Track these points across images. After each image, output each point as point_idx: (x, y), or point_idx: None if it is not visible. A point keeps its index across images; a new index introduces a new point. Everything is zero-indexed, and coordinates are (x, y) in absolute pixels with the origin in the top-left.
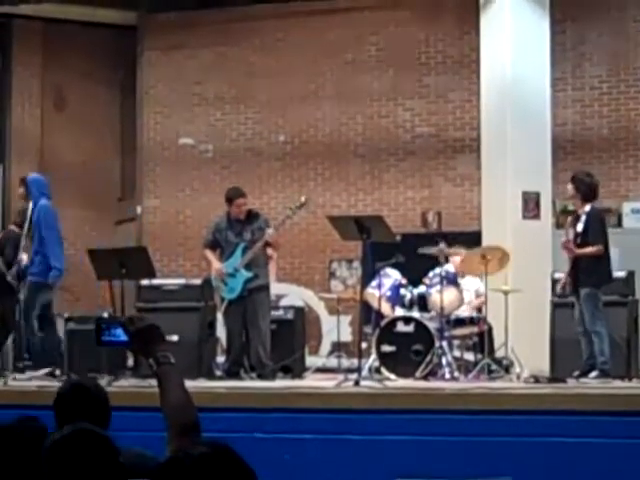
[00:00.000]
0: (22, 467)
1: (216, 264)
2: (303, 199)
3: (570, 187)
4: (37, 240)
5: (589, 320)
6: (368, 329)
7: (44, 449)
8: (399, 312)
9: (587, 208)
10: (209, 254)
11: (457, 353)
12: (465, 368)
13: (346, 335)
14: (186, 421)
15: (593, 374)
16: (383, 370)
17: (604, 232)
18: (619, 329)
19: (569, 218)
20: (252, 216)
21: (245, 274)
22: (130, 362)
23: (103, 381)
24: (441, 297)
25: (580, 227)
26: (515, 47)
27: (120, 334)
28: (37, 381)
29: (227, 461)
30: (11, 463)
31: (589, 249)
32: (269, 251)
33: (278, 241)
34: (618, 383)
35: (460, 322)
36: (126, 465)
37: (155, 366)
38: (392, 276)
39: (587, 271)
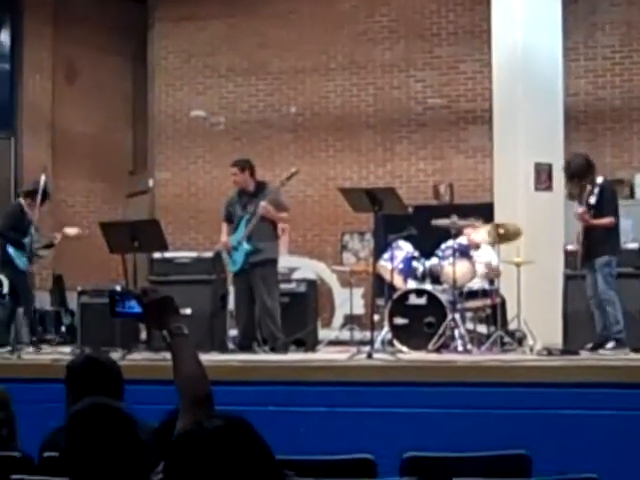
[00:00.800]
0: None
1: (223, 237)
2: (293, 169)
3: (576, 183)
4: None
5: (602, 288)
6: (380, 302)
7: (66, 422)
8: (411, 285)
9: (599, 180)
10: (223, 227)
11: (470, 325)
12: (478, 340)
13: (359, 308)
14: (199, 393)
15: (610, 345)
16: (396, 343)
17: (616, 204)
18: (632, 301)
19: (587, 187)
20: (260, 188)
21: (246, 247)
22: (143, 335)
23: (116, 354)
24: (453, 269)
25: (593, 199)
26: (527, 17)
27: (134, 306)
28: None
29: (242, 434)
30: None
31: (604, 220)
32: (281, 224)
33: (271, 213)
34: (632, 355)
35: (473, 294)
36: (141, 439)
37: (168, 338)
38: (404, 248)
39: (601, 241)
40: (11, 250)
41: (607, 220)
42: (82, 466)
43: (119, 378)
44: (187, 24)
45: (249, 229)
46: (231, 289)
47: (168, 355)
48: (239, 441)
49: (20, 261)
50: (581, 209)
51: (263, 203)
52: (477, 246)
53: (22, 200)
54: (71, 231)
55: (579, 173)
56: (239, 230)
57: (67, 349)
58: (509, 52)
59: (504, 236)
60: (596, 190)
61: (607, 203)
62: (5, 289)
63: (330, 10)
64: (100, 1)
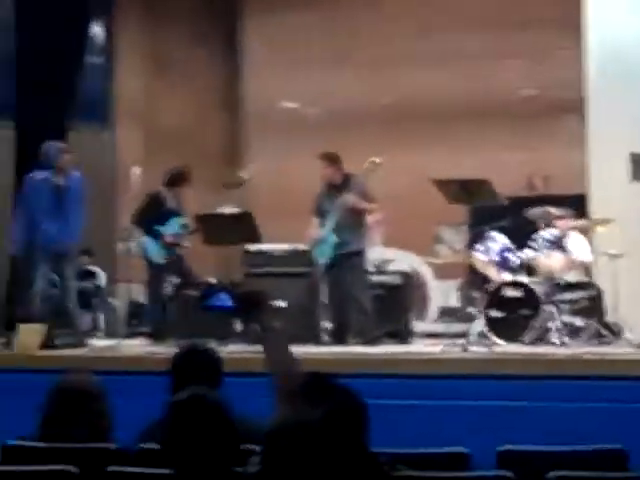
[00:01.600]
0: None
1: (310, 231)
2: (377, 160)
3: None
4: None
5: None
6: (475, 294)
7: (167, 411)
8: (506, 277)
9: None
10: (313, 221)
11: (566, 318)
12: (575, 333)
13: (453, 300)
14: (292, 386)
15: None
16: (491, 335)
17: None
18: None
19: None
20: (347, 181)
21: (334, 239)
22: (238, 328)
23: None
24: (549, 261)
25: None
26: (620, 3)
27: (226, 299)
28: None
29: (341, 425)
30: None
31: None
32: (375, 215)
33: (357, 204)
34: None
35: (569, 286)
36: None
37: (259, 331)
38: (499, 240)
39: None
40: (146, 240)
41: None
42: (180, 457)
43: (220, 369)
44: (277, 14)
45: (336, 220)
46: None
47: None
48: (337, 434)
49: (153, 252)
50: None
51: (347, 195)
52: (569, 233)
53: (162, 188)
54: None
55: None
56: (328, 223)
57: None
58: (603, 39)
59: (598, 228)
60: None
61: None
62: (101, 281)
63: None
64: None
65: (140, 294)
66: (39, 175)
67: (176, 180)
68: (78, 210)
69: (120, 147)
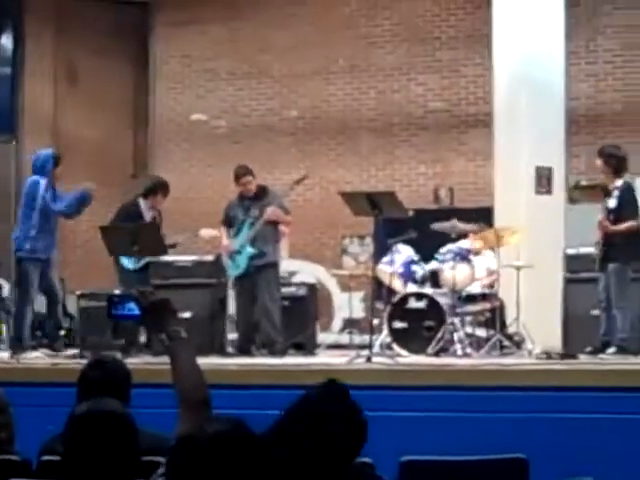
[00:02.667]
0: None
1: (224, 241)
2: (303, 173)
3: (599, 162)
4: None
5: (616, 296)
6: (380, 305)
7: (65, 425)
8: (411, 288)
9: (619, 183)
10: (222, 231)
11: (469, 329)
12: (477, 344)
13: (358, 311)
14: (198, 397)
15: (611, 350)
16: (395, 346)
17: (637, 207)
18: (634, 306)
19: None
20: (261, 192)
21: (250, 251)
22: (143, 339)
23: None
24: (453, 273)
25: (613, 203)
26: (528, 20)
27: (132, 308)
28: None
29: (242, 437)
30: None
31: (624, 225)
32: (281, 228)
33: (282, 217)
34: (631, 359)
35: (472, 298)
36: (140, 445)
37: (167, 341)
38: (404, 252)
39: (618, 246)
40: None
41: (625, 226)
42: (80, 470)
43: (127, 380)
44: (188, 28)
45: (253, 232)
46: (230, 293)
47: (167, 359)
48: (239, 445)
49: (126, 260)
50: (600, 216)
51: (272, 208)
52: (479, 252)
53: (140, 200)
54: (206, 233)
55: (618, 166)
56: (241, 234)
57: (66, 353)
58: (510, 55)
59: (503, 239)
60: (615, 193)
61: (627, 207)
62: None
63: (331, 14)
64: (101, 5)
65: (43, 305)
66: None
67: (152, 190)
68: None
69: (27, 158)
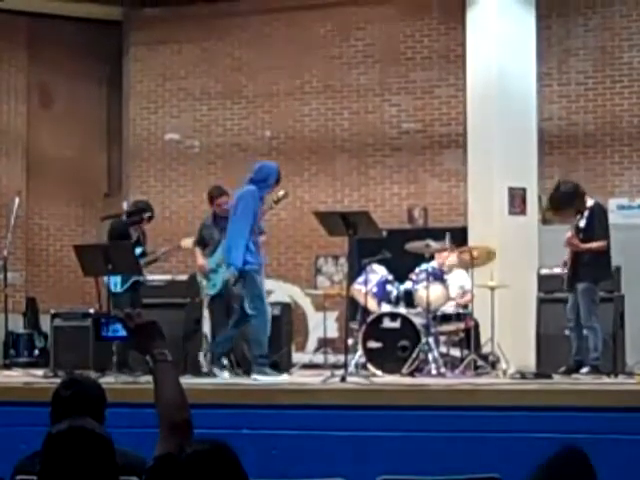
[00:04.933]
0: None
1: (200, 260)
2: (281, 193)
3: (565, 212)
4: None
5: (585, 315)
6: (354, 325)
7: (43, 443)
8: (385, 308)
9: (590, 203)
10: (197, 251)
11: (443, 349)
12: (451, 364)
13: (332, 331)
14: (180, 419)
15: (584, 370)
16: (369, 366)
17: (607, 227)
18: (605, 325)
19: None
20: None
21: (224, 270)
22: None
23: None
24: (427, 293)
25: (583, 223)
26: (501, 42)
27: (119, 329)
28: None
29: (222, 459)
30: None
31: (594, 244)
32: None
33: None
34: (605, 379)
35: (446, 318)
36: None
37: (152, 363)
38: (378, 272)
39: (587, 266)
40: None
41: (596, 245)
42: None
43: (102, 400)
44: (161, 48)
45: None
46: (205, 312)
47: (141, 378)
48: (218, 466)
49: (113, 282)
50: (569, 234)
51: None
52: (450, 270)
53: (127, 221)
54: (187, 243)
55: (565, 202)
56: (217, 253)
57: (40, 372)
58: (483, 77)
59: (477, 259)
60: (586, 213)
61: (597, 226)
62: None
63: (305, 34)
64: (74, 25)
65: (19, 325)
66: None
67: (135, 213)
68: None
69: (1, 178)
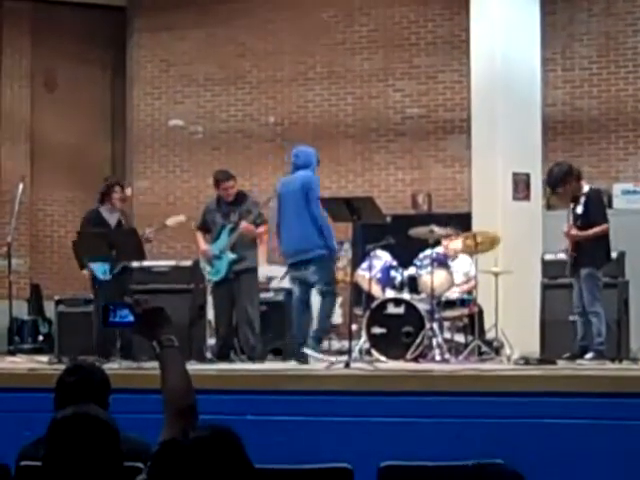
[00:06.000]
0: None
1: (203, 246)
2: (268, 196)
3: (560, 190)
4: None
5: (589, 301)
6: (358, 311)
7: (48, 429)
8: (389, 294)
9: (585, 189)
10: (199, 236)
11: (447, 335)
12: (455, 350)
13: (336, 317)
14: (185, 405)
15: (589, 355)
16: (374, 352)
17: (604, 212)
18: (610, 310)
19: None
20: (240, 198)
21: (230, 256)
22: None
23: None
24: (431, 279)
25: (580, 209)
26: (505, 27)
27: (127, 315)
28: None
29: (226, 445)
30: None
31: (592, 230)
32: (260, 230)
33: (253, 233)
34: (609, 365)
35: (450, 304)
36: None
37: (158, 349)
38: (382, 258)
39: (588, 252)
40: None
41: (593, 231)
42: (62, 475)
43: (106, 386)
44: (165, 34)
45: (234, 239)
46: (209, 298)
47: (145, 364)
48: (223, 452)
49: (98, 270)
50: (565, 227)
51: (244, 223)
52: (455, 256)
53: (101, 208)
54: (173, 221)
55: (559, 180)
56: (221, 239)
57: (44, 358)
58: (487, 62)
59: (482, 245)
60: (582, 199)
61: (594, 212)
62: None
63: (309, 20)
64: (79, 11)
65: (23, 311)
66: None
67: (105, 193)
68: None
69: (4, 163)
